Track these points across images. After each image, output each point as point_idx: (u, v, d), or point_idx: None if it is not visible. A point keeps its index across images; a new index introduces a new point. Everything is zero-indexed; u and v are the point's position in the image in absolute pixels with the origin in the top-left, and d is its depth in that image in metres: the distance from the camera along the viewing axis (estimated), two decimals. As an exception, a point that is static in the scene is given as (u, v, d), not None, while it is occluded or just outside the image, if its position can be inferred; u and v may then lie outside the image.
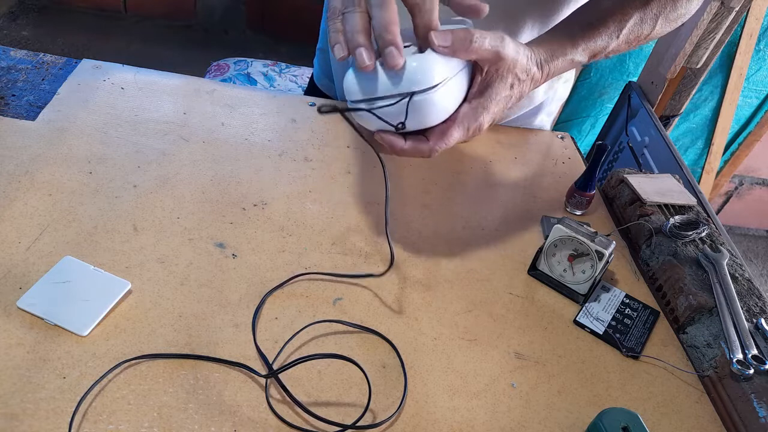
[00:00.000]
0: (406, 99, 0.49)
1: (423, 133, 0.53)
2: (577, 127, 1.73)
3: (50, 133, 0.70)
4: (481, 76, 0.54)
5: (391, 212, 0.71)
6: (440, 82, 0.49)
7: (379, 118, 0.51)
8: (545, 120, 0.92)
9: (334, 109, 0.50)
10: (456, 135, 0.53)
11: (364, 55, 0.47)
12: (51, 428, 0.45)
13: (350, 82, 0.51)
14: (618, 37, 0.60)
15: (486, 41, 0.50)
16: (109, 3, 2.40)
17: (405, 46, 0.50)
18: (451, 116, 0.53)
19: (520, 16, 0.72)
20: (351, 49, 0.48)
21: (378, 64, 0.49)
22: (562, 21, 0.63)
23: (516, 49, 0.53)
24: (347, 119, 0.52)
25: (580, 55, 0.59)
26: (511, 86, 0.54)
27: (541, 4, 0.71)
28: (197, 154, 0.73)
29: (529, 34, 0.73)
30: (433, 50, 0.49)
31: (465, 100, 0.54)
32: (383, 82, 0.49)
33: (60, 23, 2.37)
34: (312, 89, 1.02)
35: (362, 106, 0.51)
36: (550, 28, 0.63)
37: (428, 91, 0.49)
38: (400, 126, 0.50)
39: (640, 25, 0.62)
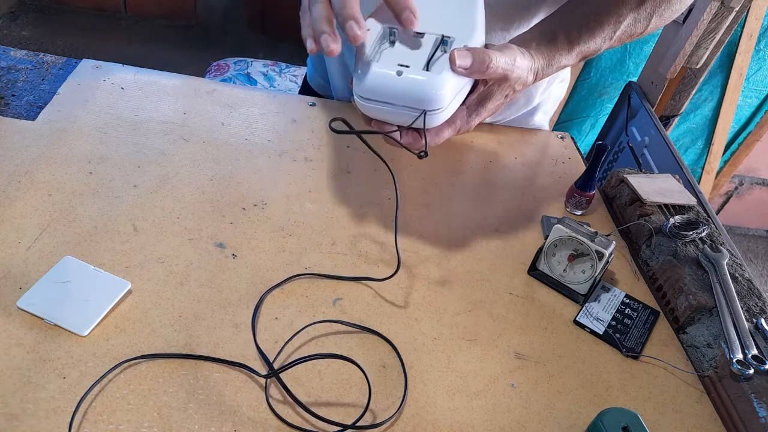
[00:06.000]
0: (420, 117, 0.52)
1: (417, 130, 0.55)
2: (577, 127, 1.73)
3: (50, 133, 0.70)
4: (483, 87, 0.57)
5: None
6: (450, 102, 0.53)
7: (393, 138, 0.55)
8: (543, 119, 0.93)
9: (349, 131, 0.53)
10: (447, 134, 0.57)
11: (329, 41, 0.49)
12: (51, 428, 0.45)
13: (365, 79, 0.52)
14: (611, 38, 0.62)
15: (500, 65, 0.53)
16: (109, 3, 2.40)
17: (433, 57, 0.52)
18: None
19: (511, 15, 0.72)
20: (316, 37, 0.50)
21: (396, 74, 0.51)
22: (559, 12, 0.63)
23: (521, 66, 0.55)
24: (361, 138, 0.54)
25: (573, 59, 0.61)
26: (506, 96, 0.58)
27: (531, 4, 0.72)
28: (197, 154, 0.73)
29: (516, 29, 0.73)
30: (452, 69, 0.51)
31: (462, 103, 0.57)
32: (399, 91, 0.51)
33: (60, 23, 2.37)
34: (306, 89, 1.01)
35: (373, 106, 0.53)
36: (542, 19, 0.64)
37: (439, 111, 0.52)
38: (422, 155, 0.54)
39: (634, 25, 0.62)
